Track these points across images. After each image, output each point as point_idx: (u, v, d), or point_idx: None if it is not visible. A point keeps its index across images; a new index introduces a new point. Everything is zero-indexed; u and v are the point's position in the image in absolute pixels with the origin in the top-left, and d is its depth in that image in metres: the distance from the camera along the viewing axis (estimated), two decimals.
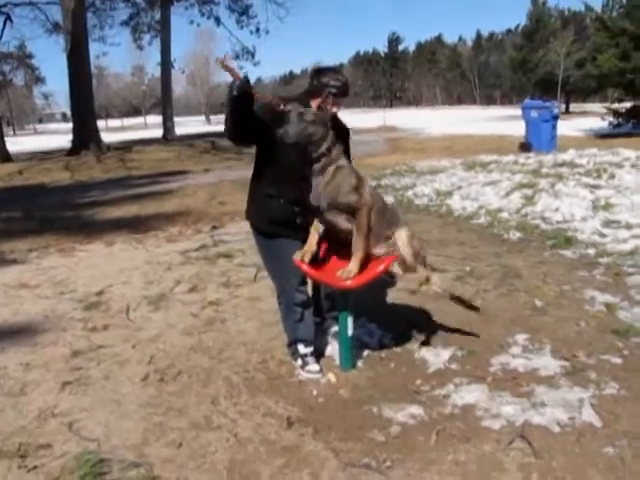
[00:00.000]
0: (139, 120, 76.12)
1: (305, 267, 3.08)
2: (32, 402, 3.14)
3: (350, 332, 3.30)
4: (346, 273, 3.06)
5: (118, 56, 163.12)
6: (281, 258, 3.23)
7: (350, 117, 25.86)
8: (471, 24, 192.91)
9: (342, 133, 3.28)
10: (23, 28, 71.18)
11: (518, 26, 59.57)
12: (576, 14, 50.19)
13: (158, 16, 28.70)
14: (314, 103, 3.14)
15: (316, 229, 3.14)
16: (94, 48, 33.04)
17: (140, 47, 31.34)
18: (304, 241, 3.19)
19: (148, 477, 2.42)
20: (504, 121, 31.05)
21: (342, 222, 3.03)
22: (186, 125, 48.21)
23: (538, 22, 45.82)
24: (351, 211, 2.98)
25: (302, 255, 3.06)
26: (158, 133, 31.03)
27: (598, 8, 22.80)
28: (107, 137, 23.64)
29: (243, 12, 27.47)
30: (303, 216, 3.14)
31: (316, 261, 3.16)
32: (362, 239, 3.02)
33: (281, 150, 2.99)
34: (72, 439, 2.74)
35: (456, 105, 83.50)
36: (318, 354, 3.47)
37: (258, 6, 27.70)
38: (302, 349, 3.38)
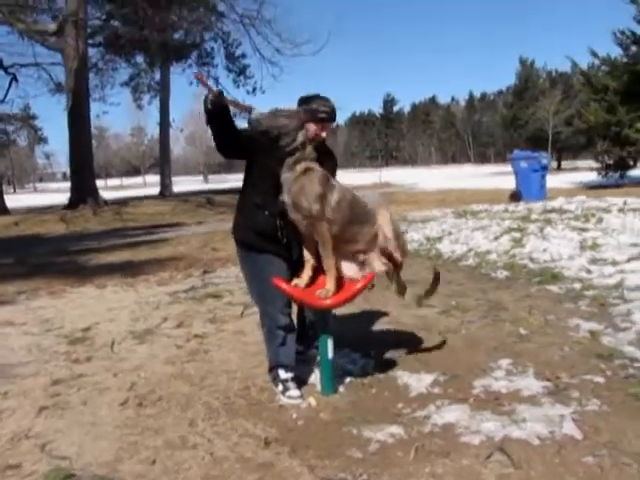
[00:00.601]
0: (138, 179, 77.14)
1: (285, 286, 3.09)
2: (6, 427, 3.08)
3: (330, 355, 3.27)
4: (324, 292, 3.07)
5: (118, 117, 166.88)
6: (266, 278, 3.22)
7: (344, 177, 26.27)
8: (464, 85, 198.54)
9: (328, 159, 3.35)
10: (27, 87, 72.76)
11: (510, 87, 61.40)
12: (563, 75, 51.71)
13: (158, 77, 29.53)
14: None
15: (308, 261, 3.17)
16: (95, 107, 33.83)
17: (140, 107, 32.13)
18: (289, 259, 3.22)
19: None
20: (496, 176, 31.55)
21: (302, 226, 3.06)
22: (184, 184, 48.71)
23: (527, 81, 47.31)
24: (310, 219, 3.00)
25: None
26: (156, 191, 31.40)
27: (584, 67, 23.64)
28: (106, 195, 23.82)
29: (241, 72, 28.21)
30: (286, 230, 3.16)
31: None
32: (328, 255, 3.04)
33: (268, 162, 3.05)
34: (43, 459, 2.68)
35: (451, 164, 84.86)
36: (300, 381, 3.43)
37: (254, 65, 28.58)
38: (283, 374, 3.34)
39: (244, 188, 3.34)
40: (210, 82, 3.04)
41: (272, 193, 3.09)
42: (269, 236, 3.19)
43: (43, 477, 2.47)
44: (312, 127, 3.18)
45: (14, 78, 26.03)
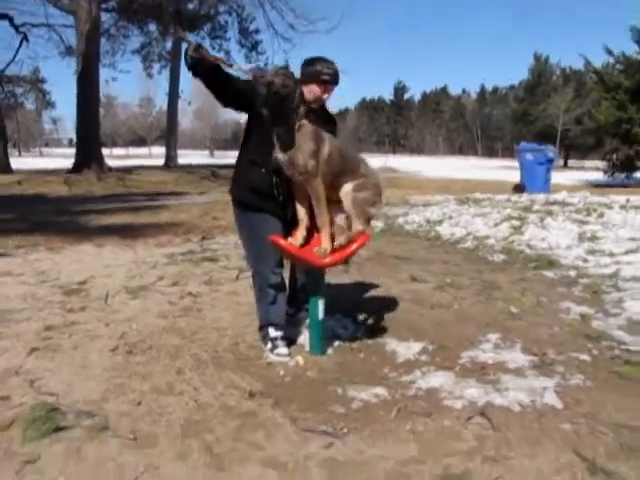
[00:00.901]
0: (144, 150, 76.82)
1: (283, 242, 3.11)
2: None
3: (321, 316, 3.29)
4: (322, 250, 3.09)
5: (128, 86, 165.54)
6: (259, 237, 3.24)
7: None
8: (476, 77, 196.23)
9: (329, 124, 3.35)
10: (37, 48, 72.44)
11: (522, 82, 60.96)
12: (576, 72, 51.33)
13: (169, 46, 29.28)
14: (306, 90, 3.21)
15: (302, 220, 3.18)
16: (104, 73, 33.52)
17: (150, 75, 31.78)
18: (284, 218, 3.23)
19: (102, 426, 2.39)
20: (502, 170, 31.47)
21: (297, 183, 3.08)
22: (189, 157, 48.55)
23: (540, 77, 46.94)
24: (305, 175, 3.00)
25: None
26: (161, 162, 31.32)
27: (598, 65, 23.45)
28: (110, 163, 23.76)
29: (253, 47, 27.99)
30: (282, 188, 3.17)
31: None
32: (323, 212, 3.06)
33: (264, 119, 3.04)
34: (31, 394, 2.72)
35: (458, 155, 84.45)
36: (289, 341, 3.46)
37: (266, 42, 28.10)
38: (272, 332, 3.37)
39: (242, 145, 3.34)
40: (190, 37, 2.95)
41: (268, 150, 3.08)
42: (264, 194, 3.20)
43: (30, 408, 2.51)
44: (315, 89, 3.18)
45: (25, 37, 25.92)
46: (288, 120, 2.97)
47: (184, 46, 2.98)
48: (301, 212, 3.19)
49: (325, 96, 3.24)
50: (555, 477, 2.08)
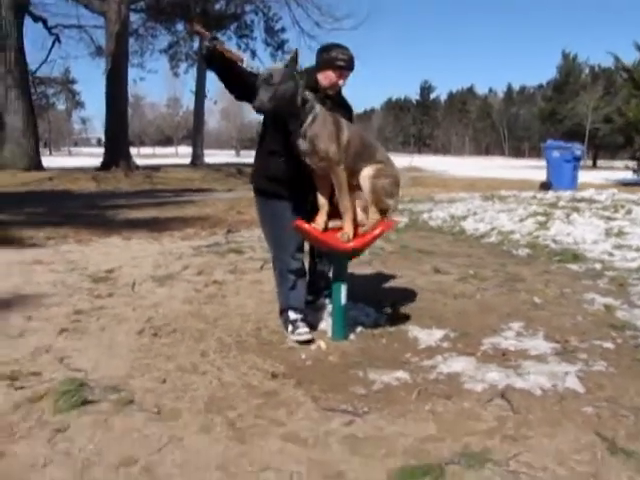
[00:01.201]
0: (171, 149, 77.55)
1: (307, 226, 3.15)
2: (28, 343, 3.22)
3: (344, 301, 3.33)
4: (345, 235, 3.12)
5: (155, 87, 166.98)
6: (280, 222, 3.30)
7: None
8: (502, 77, 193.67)
9: (344, 111, 3.39)
10: (68, 49, 73.69)
11: (550, 82, 60.16)
12: (606, 71, 50.55)
13: (196, 46, 29.57)
14: (322, 76, 3.25)
15: (323, 206, 3.21)
16: (132, 73, 33.93)
17: (176, 74, 32.21)
18: (304, 206, 3.27)
19: (127, 400, 2.46)
20: (529, 169, 31.12)
21: (318, 170, 3.11)
22: (216, 156, 48.83)
23: (568, 76, 46.30)
24: (327, 161, 3.01)
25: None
26: (188, 161, 31.59)
27: (628, 63, 23.04)
28: (138, 162, 24.04)
29: (279, 46, 28.19)
30: (303, 176, 3.20)
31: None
32: (345, 197, 3.08)
33: (276, 117, 3.08)
34: (60, 369, 2.81)
35: (484, 155, 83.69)
36: (310, 326, 3.49)
37: (292, 40, 28.33)
38: (292, 315, 3.42)
39: (260, 137, 3.42)
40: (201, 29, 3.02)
41: (285, 140, 3.11)
42: (284, 181, 3.25)
43: (59, 383, 2.59)
44: (331, 75, 3.24)
45: (57, 39, 26.45)
46: (298, 116, 2.99)
47: (199, 42, 3.05)
48: (322, 199, 3.22)
49: (341, 82, 3.30)
50: (575, 456, 2.08)
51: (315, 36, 25.58)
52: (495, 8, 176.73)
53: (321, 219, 3.21)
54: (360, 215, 3.24)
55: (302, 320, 3.40)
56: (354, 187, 3.17)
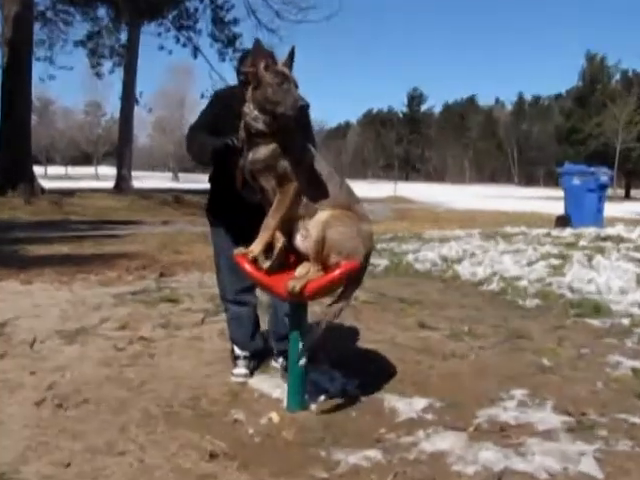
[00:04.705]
0: (89, 170, 77.19)
1: (248, 267, 3.26)
2: None
3: (302, 362, 3.38)
4: (292, 284, 3.18)
5: (69, 87, 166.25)
6: (224, 251, 3.67)
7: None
8: (512, 84, 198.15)
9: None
10: None
11: (570, 91, 61.43)
12: None
13: (124, 38, 29.66)
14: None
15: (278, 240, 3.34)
16: (38, 69, 33.63)
17: (99, 74, 32.28)
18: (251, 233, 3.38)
19: None
20: (544, 201, 31.86)
21: (269, 192, 3.27)
22: (147, 180, 48.91)
23: (594, 83, 47.11)
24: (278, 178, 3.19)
25: (245, 252, 3.30)
26: (111, 185, 31.53)
27: None
28: (45, 184, 23.86)
29: (229, 42, 28.51)
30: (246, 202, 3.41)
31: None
32: (275, 217, 3.23)
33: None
34: None
35: (488, 183, 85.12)
36: (261, 395, 3.62)
37: (247, 35, 28.43)
38: (237, 350, 3.90)
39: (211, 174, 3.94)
40: None
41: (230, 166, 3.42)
42: (228, 208, 3.68)
43: None
44: None
45: None
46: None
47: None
48: (277, 233, 3.33)
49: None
50: None
51: (275, 30, 26.07)
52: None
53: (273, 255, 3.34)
54: (304, 267, 3.32)
55: (245, 359, 3.82)
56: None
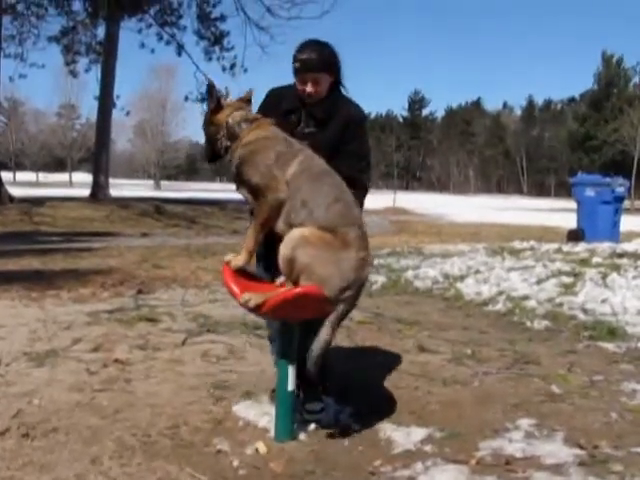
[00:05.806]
0: (63, 176, 77.00)
1: (226, 270, 3.40)
2: None
3: (291, 387, 3.39)
4: (247, 297, 3.25)
5: (41, 86, 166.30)
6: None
7: None
8: (520, 87, 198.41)
9: (335, 128, 3.69)
10: None
11: (584, 95, 61.54)
12: None
13: (101, 34, 29.46)
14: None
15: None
16: (7, 66, 33.52)
17: (74, 73, 32.12)
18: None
19: None
20: (555, 212, 31.94)
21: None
22: (126, 188, 48.83)
23: (610, 86, 47.24)
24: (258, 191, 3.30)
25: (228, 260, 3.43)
26: (86, 192, 31.41)
27: None
28: (13, 191, 23.89)
29: (216, 40, 28.49)
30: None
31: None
32: (257, 230, 3.35)
33: None
34: None
35: (495, 194, 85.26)
36: (246, 423, 3.61)
37: (235, 34, 28.24)
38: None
39: None
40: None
41: None
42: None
43: None
44: (297, 82, 3.61)
45: None
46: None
47: None
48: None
49: (308, 89, 3.55)
50: None
51: (266, 27, 26.08)
52: None
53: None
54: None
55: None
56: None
